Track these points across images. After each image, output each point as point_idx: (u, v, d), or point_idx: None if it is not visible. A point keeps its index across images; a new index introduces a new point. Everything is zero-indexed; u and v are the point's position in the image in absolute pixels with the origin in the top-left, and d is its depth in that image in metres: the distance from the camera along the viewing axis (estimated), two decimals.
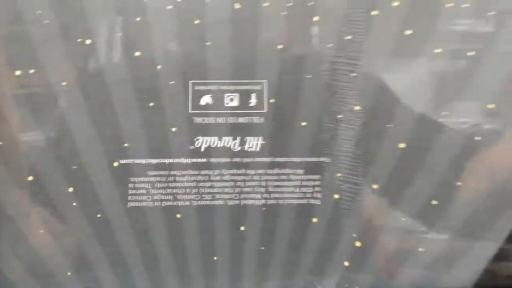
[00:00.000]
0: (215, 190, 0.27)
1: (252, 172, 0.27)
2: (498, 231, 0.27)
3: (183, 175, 0.27)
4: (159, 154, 0.27)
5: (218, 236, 0.27)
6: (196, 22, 0.28)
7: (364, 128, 0.27)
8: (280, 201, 0.27)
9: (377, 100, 0.27)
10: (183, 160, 0.27)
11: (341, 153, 0.27)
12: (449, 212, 0.27)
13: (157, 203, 0.27)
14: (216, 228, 0.27)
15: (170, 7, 0.28)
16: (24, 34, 0.27)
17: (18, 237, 0.27)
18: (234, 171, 0.27)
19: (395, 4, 0.28)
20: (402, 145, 0.27)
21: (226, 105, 0.28)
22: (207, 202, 0.27)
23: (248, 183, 0.27)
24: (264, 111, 0.28)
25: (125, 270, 0.27)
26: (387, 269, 0.28)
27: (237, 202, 0.27)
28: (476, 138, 0.27)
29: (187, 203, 0.27)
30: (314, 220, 0.27)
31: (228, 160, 0.27)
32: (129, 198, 0.27)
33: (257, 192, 0.27)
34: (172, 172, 0.27)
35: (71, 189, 0.27)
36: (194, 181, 0.27)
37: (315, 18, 0.28)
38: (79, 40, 0.27)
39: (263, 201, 0.27)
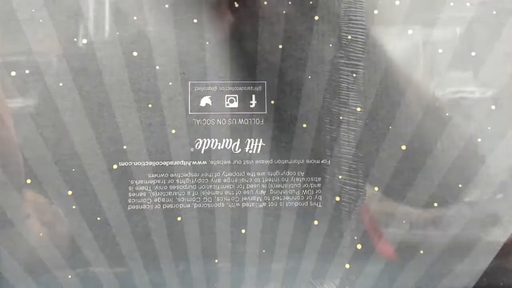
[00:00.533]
0: (215, 192, 0.27)
1: (252, 174, 0.27)
2: (500, 231, 0.28)
3: (183, 178, 0.27)
4: (159, 156, 0.27)
5: (219, 238, 0.27)
6: (195, 21, 0.28)
7: (366, 130, 0.27)
8: (281, 204, 0.27)
9: (379, 101, 0.27)
10: (183, 162, 0.27)
11: (342, 155, 0.27)
12: (450, 213, 0.27)
13: (157, 206, 0.27)
14: (217, 231, 0.27)
15: (167, 5, 0.28)
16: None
17: (17, 240, 0.27)
18: (235, 173, 0.27)
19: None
20: (403, 147, 0.27)
21: (226, 106, 0.27)
22: (208, 205, 0.27)
23: (248, 186, 0.27)
24: (265, 112, 0.27)
25: (125, 273, 0.27)
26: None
27: (237, 204, 0.27)
28: (478, 140, 0.27)
29: (188, 205, 0.27)
30: (315, 222, 0.27)
31: (228, 162, 0.27)
32: (129, 201, 0.27)
33: (258, 195, 0.27)
34: (172, 175, 0.27)
35: (70, 192, 0.27)
36: (194, 183, 0.27)
37: (316, 18, 0.28)
38: (74, 39, 0.27)
39: (264, 204, 0.27)
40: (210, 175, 0.27)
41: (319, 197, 0.27)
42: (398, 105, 0.27)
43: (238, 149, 0.27)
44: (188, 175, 0.27)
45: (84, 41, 0.27)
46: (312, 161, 0.27)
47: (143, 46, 0.27)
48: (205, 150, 0.27)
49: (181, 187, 0.27)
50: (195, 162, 0.27)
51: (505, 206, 0.28)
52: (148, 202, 0.27)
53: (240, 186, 0.27)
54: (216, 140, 0.27)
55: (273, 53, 0.27)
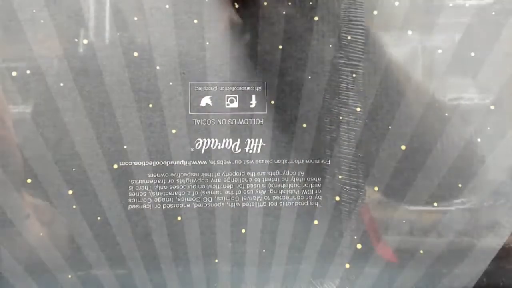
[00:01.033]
0: (215, 192, 0.27)
1: (252, 174, 0.27)
2: (500, 232, 0.28)
3: (183, 177, 0.27)
4: (159, 156, 0.27)
5: (219, 238, 0.27)
6: (195, 21, 0.28)
7: (365, 130, 0.27)
8: (281, 203, 0.27)
9: (379, 102, 0.27)
10: (183, 162, 0.27)
11: (342, 155, 0.27)
12: (449, 213, 0.27)
13: (157, 206, 0.27)
14: (217, 231, 0.27)
15: (167, 6, 0.28)
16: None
17: (18, 240, 0.27)
18: (235, 173, 0.27)
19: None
20: (403, 147, 0.27)
21: (226, 106, 0.27)
22: (208, 205, 0.27)
23: (248, 185, 0.27)
24: (265, 112, 0.27)
25: (125, 273, 0.27)
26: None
27: (238, 204, 0.27)
28: (478, 140, 0.27)
29: (188, 205, 0.27)
30: (315, 222, 0.27)
31: (228, 162, 0.27)
32: (129, 200, 0.27)
33: (258, 194, 0.27)
34: (172, 174, 0.27)
35: (70, 192, 0.27)
36: (194, 183, 0.27)
37: (315, 18, 0.28)
38: (75, 40, 0.27)
39: (264, 204, 0.27)
40: (210, 175, 0.27)
41: (319, 197, 0.27)
42: (398, 105, 0.27)
43: (238, 149, 0.27)
44: (188, 175, 0.27)
45: (85, 41, 0.27)
46: (312, 161, 0.27)
47: (144, 46, 0.27)
48: (205, 150, 0.27)
49: (181, 187, 0.27)
50: (195, 162, 0.27)
51: (505, 207, 0.28)
52: (148, 202, 0.27)
53: (240, 186, 0.27)
54: (216, 140, 0.27)
55: (273, 54, 0.28)
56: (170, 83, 0.27)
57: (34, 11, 0.27)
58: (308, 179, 0.27)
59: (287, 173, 0.27)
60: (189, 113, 0.27)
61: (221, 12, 0.28)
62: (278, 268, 0.28)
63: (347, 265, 0.28)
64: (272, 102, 0.27)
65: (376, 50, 0.27)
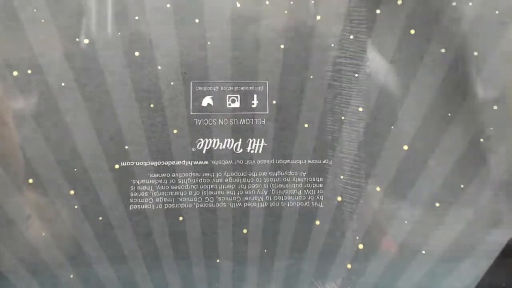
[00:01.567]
0: (217, 192, 0.27)
1: (254, 174, 0.27)
2: (501, 232, 0.27)
3: (185, 178, 0.27)
4: (161, 156, 0.27)
5: (221, 238, 0.27)
6: (197, 21, 0.27)
7: (368, 130, 0.27)
8: (283, 204, 0.27)
9: (381, 102, 0.27)
10: (185, 162, 0.27)
11: (344, 155, 0.27)
12: (452, 213, 0.27)
13: (159, 206, 0.27)
14: (218, 231, 0.27)
15: (168, 5, 0.28)
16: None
17: (19, 240, 0.27)
18: (236, 173, 0.27)
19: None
20: (405, 147, 0.27)
21: (227, 106, 0.27)
22: (210, 205, 0.27)
23: (250, 186, 0.27)
24: (266, 112, 0.27)
25: (127, 273, 0.27)
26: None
27: (239, 204, 0.27)
28: (481, 140, 0.27)
29: (189, 205, 0.27)
30: (317, 222, 0.27)
31: (230, 162, 0.27)
32: (131, 200, 0.27)
33: (259, 195, 0.27)
34: (174, 175, 0.27)
35: (72, 192, 0.27)
36: (196, 183, 0.27)
37: (318, 17, 0.28)
38: (77, 39, 0.27)
39: (265, 204, 0.27)
40: (211, 175, 0.27)
41: (321, 197, 0.27)
42: (400, 105, 0.27)
43: (240, 149, 0.27)
44: (190, 175, 0.27)
45: (86, 41, 0.27)
46: (314, 161, 0.27)
47: (145, 46, 0.27)
48: (206, 150, 0.27)
49: (183, 187, 0.27)
50: (197, 162, 0.27)
51: (507, 207, 0.27)
52: (150, 202, 0.27)
53: (242, 186, 0.27)
54: (218, 140, 0.27)
55: (275, 53, 0.27)
56: (172, 83, 0.27)
57: (35, 10, 0.27)
58: (310, 179, 0.27)
59: (289, 173, 0.27)
60: (191, 113, 0.27)
61: (222, 11, 0.27)
62: (280, 268, 0.28)
63: (349, 266, 0.28)
64: (274, 102, 0.27)
65: (378, 51, 0.27)
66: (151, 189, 0.27)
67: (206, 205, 0.27)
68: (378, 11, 0.28)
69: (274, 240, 0.27)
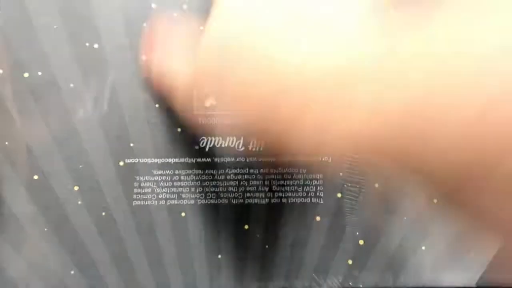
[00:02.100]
0: (219, 189, 0.28)
1: (255, 171, 0.28)
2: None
3: (187, 174, 0.28)
4: (165, 153, 0.28)
5: (223, 234, 0.28)
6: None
7: None
8: (284, 200, 0.28)
9: None
10: (188, 160, 0.28)
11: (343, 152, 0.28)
12: (450, 210, 0.27)
13: (162, 202, 0.27)
14: (220, 227, 0.28)
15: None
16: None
17: (22, 236, 0.27)
18: (238, 170, 0.28)
19: None
20: None
21: None
22: (212, 201, 0.28)
23: (252, 182, 0.28)
24: None
25: (129, 268, 0.27)
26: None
27: (241, 201, 0.28)
28: None
29: (192, 201, 0.28)
30: (317, 218, 0.28)
31: (232, 159, 0.28)
32: (134, 196, 0.27)
33: (260, 191, 0.28)
34: (177, 171, 0.28)
35: (76, 188, 0.27)
36: (198, 180, 0.28)
37: None
38: (87, 44, 0.28)
39: (266, 200, 0.28)
40: (214, 172, 0.28)
41: (321, 194, 0.28)
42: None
43: (242, 146, 0.28)
44: (193, 172, 0.28)
45: (96, 45, 0.28)
46: (314, 158, 0.28)
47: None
48: (209, 148, 0.28)
49: (185, 183, 0.28)
50: (200, 159, 0.28)
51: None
52: (153, 198, 0.27)
53: (243, 182, 0.28)
54: (220, 138, 0.28)
55: None
56: None
57: (47, 17, 0.28)
58: (310, 176, 0.28)
59: (290, 170, 0.28)
60: (194, 112, 0.28)
61: None
62: (281, 264, 0.28)
63: (350, 261, 0.28)
64: None
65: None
66: (155, 186, 0.27)
67: (208, 201, 0.28)
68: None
69: (275, 236, 0.28)
